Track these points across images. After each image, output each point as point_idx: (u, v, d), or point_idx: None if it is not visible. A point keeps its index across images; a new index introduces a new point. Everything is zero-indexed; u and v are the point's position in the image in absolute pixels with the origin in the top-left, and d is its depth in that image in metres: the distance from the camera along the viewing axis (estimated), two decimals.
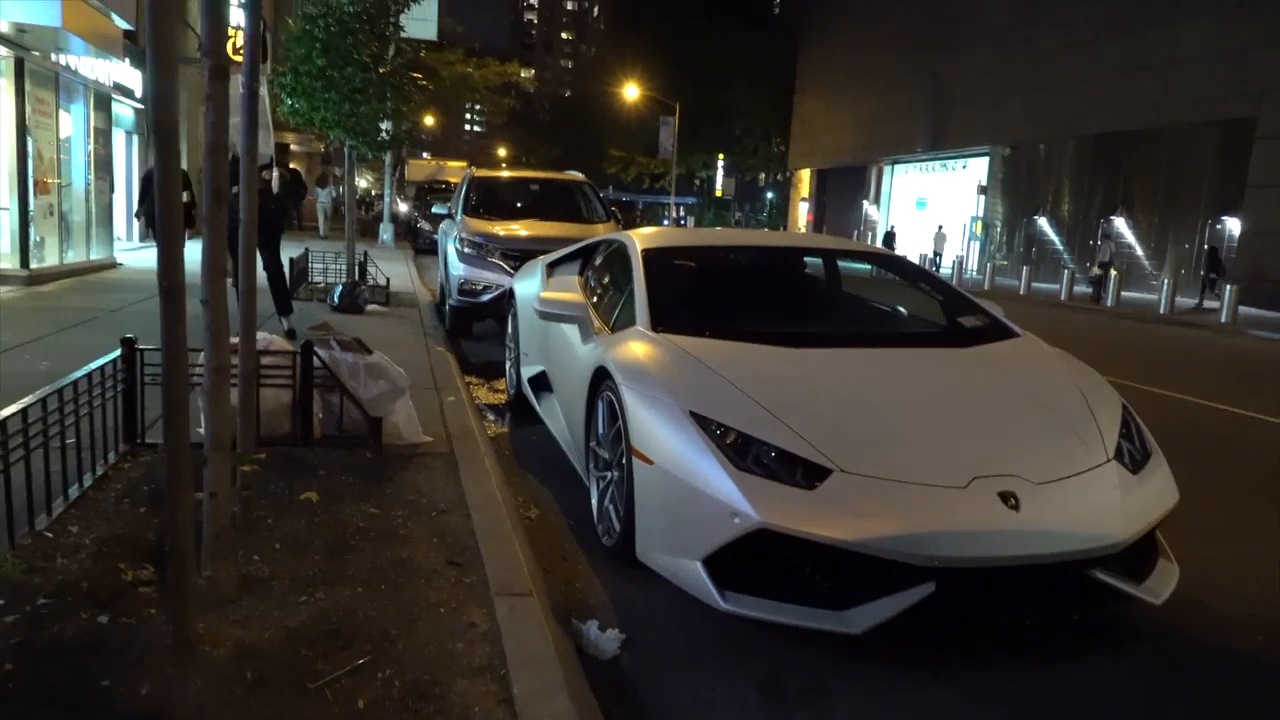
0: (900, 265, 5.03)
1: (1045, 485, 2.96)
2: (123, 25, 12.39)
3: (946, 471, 2.93)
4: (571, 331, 4.67)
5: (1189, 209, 24.90)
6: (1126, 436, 3.37)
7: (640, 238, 4.87)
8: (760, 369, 3.47)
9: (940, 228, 33.07)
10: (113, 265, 13.44)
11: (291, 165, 7.97)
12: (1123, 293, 21.27)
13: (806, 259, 5.23)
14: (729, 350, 3.62)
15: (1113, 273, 21.74)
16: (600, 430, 3.87)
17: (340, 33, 10.38)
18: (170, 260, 2.30)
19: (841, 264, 5.17)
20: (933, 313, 4.79)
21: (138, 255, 15.10)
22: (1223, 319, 17.61)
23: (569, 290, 4.75)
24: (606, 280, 5.09)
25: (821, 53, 45.20)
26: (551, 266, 6.11)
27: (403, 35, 12.15)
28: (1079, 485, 3.02)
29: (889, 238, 31.20)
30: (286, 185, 7.97)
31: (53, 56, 11.38)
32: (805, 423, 3.08)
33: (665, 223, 62.81)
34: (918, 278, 4.86)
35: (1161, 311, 19.26)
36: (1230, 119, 22.78)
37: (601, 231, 9.56)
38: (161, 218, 2.31)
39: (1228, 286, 18.09)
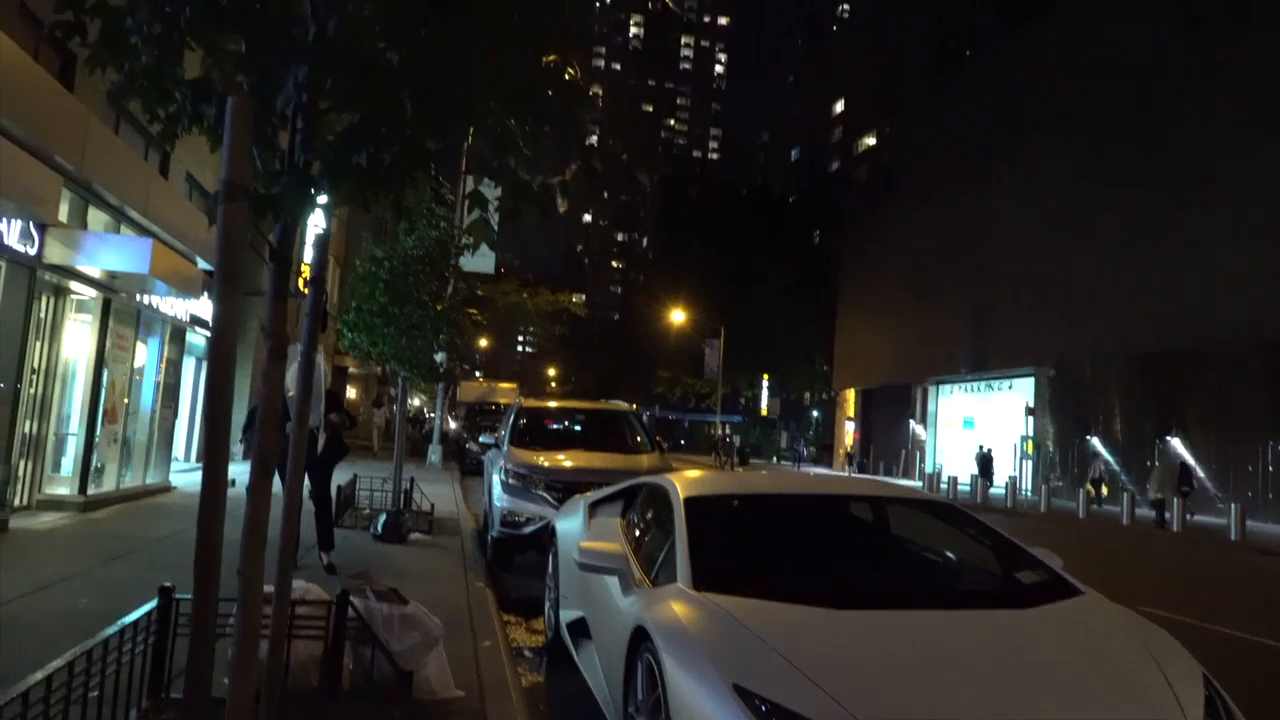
0: (952, 514, 4.88)
1: None
2: (205, 267, 13.40)
3: None
4: (612, 581, 4.54)
5: (1247, 429, 24.38)
6: (1212, 715, 3.07)
7: (683, 483, 4.83)
8: (808, 635, 3.29)
9: (981, 447, 32.70)
10: (167, 489, 13.72)
11: (339, 413, 8.23)
12: (1189, 516, 20.44)
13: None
14: (775, 613, 3.47)
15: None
16: (639, 696, 3.65)
17: (403, 273, 11.08)
18: (208, 525, 2.30)
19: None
20: (987, 558, 4.58)
21: (193, 476, 15.46)
22: None
23: (610, 537, 4.67)
24: (649, 526, 5.01)
25: (861, 276, 46.97)
26: (594, 506, 6.06)
27: (462, 269, 12.95)
28: None
29: (986, 460, 30.02)
30: (335, 433, 8.20)
31: (137, 297, 12.24)
32: (853, 697, 2.88)
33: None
34: (971, 528, 4.70)
35: (1232, 538, 18.38)
36: (1276, 340, 22.77)
37: (646, 463, 9.59)
38: (205, 484, 2.34)
39: None
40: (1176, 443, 26.47)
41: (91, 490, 11.20)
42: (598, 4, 2.81)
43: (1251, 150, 23.55)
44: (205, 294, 15.14)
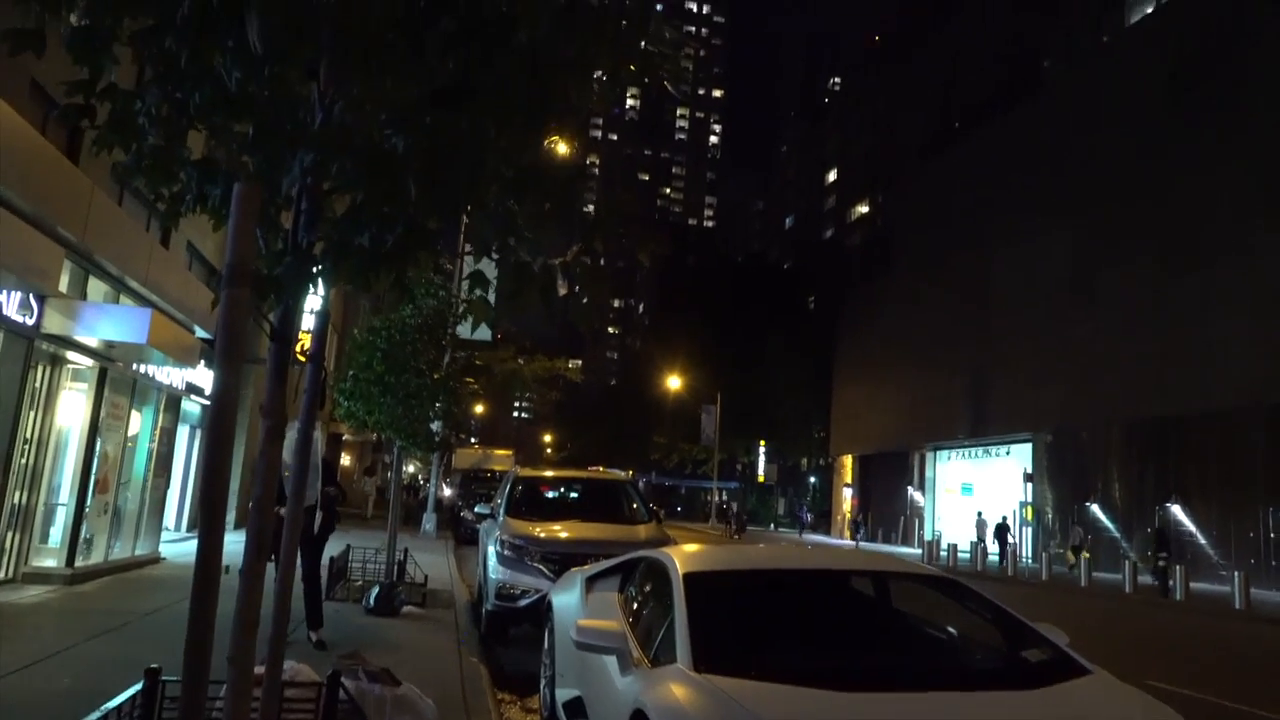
0: (955, 590, 4.81)
1: None
2: (203, 335, 13.42)
3: None
4: (610, 660, 4.44)
5: (1248, 495, 24.25)
6: None
7: (681, 558, 4.77)
8: (810, 718, 3.21)
9: (980, 514, 32.51)
10: (156, 560, 13.50)
11: (334, 485, 8.19)
12: (1191, 583, 20.17)
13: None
14: (778, 697, 3.38)
15: (1084, 556, 22.75)
16: None
17: (401, 342, 11.10)
18: (201, 618, 2.25)
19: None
20: (992, 634, 4.49)
21: (184, 545, 15.23)
22: None
23: (608, 615, 4.58)
24: (647, 602, 4.92)
25: (858, 341, 47.22)
26: (591, 581, 5.96)
27: (459, 338, 12.98)
28: None
29: (1001, 530, 29.39)
30: (330, 506, 8.14)
31: (134, 366, 12.23)
32: None
33: (708, 507, 62.57)
34: (974, 602, 4.63)
35: (1237, 606, 18.11)
36: (1273, 405, 22.80)
37: (643, 533, 9.48)
38: (198, 574, 2.29)
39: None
40: (1176, 509, 26.28)
41: (79, 562, 11.01)
42: (597, 86, 2.87)
43: (1247, 218, 23.93)
44: (202, 362, 15.15)
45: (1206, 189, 25.29)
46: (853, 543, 38.28)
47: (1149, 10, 29.71)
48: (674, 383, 52.69)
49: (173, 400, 14.62)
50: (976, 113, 38.13)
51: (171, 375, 13.79)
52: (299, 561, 7.42)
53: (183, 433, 17.10)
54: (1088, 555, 23.46)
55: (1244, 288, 23.81)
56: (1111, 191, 28.89)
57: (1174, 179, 26.38)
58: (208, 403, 17.38)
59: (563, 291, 2.55)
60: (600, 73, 2.59)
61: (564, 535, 9.29)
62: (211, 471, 2.19)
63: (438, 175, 2.24)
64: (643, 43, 2.61)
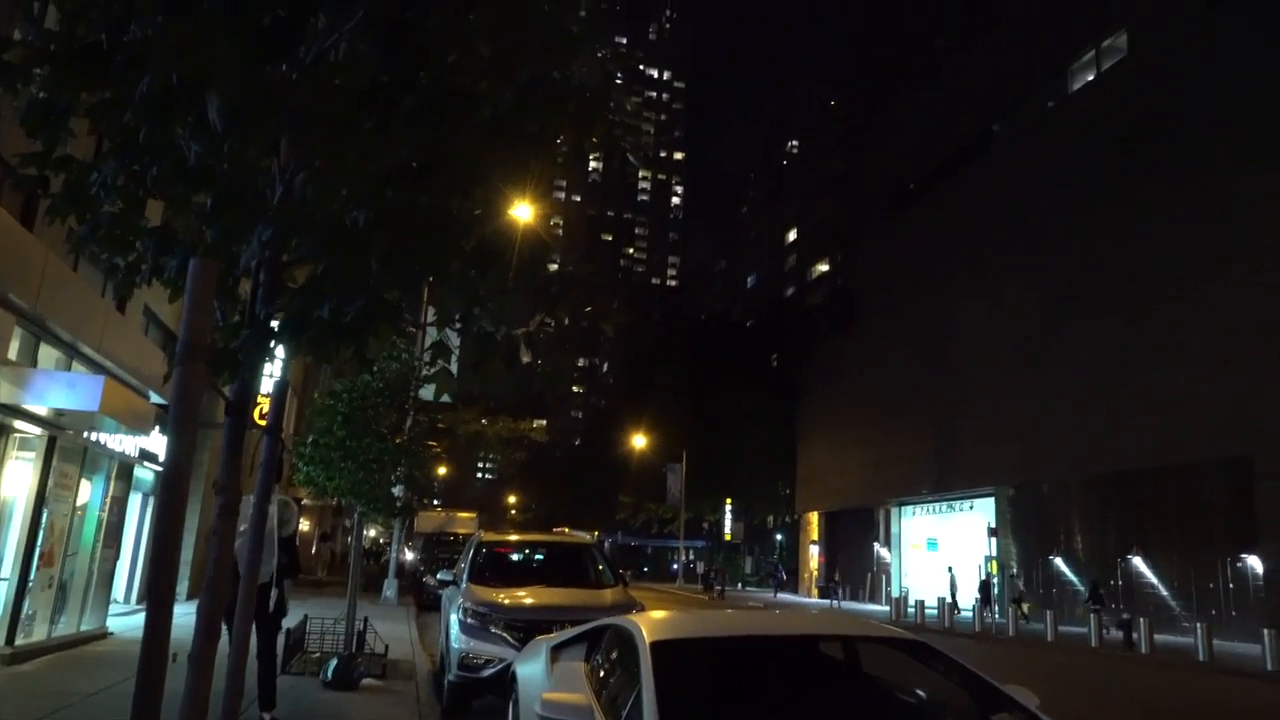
0: (923, 652, 4.77)
1: None
2: (158, 401, 13.15)
3: None
4: None
5: (1208, 546, 24.56)
6: None
7: (649, 626, 4.68)
8: None
9: (951, 569, 32.60)
10: (103, 635, 12.98)
11: (290, 557, 7.97)
12: (1155, 635, 20.24)
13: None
14: None
15: (1026, 607, 23.46)
16: None
17: (362, 406, 10.96)
18: (145, 708, 2.15)
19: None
20: (962, 698, 4.44)
21: (133, 619, 14.67)
22: (1267, 666, 16.62)
23: (574, 686, 4.47)
24: (614, 671, 4.82)
25: (821, 398, 47.56)
26: (557, 650, 5.83)
27: (422, 399, 12.84)
28: None
29: (985, 586, 29.19)
30: (287, 575, 7.92)
31: (85, 434, 11.91)
32: None
33: (674, 566, 61.93)
34: (942, 665, 4.59)
35: (1201, 659, 18.20)
36: (1229, 458, 23.25)
37: (610, 597, 9.33)
38: (146, 648, 2.19)
39: (1265, 630, 17.22)
40: (1138, 561, 26.53)
41: (20, 640, 10.54)
42: (560, 158, 2.90)
43: (1194, 275, 24.68)
44: (157, 428, 14.80)
45: (1154, 247, 26.11)
46: (829, 602, 37.98)
47: (1089, 78, 30.95)
48: (639, 442, 52.54)
49: (125, 468, 14.23)
50: (932, 173, 39.22)
51: (124, 443, 13.44)
52: (253, 639, 7.18)
53: (134, 500, 16.61)
54: (1028, 607, 24.01)
55: (1194, 342, 24.44)
56: (1064, 249, 29.70)
57: (1123, 237, 27.21)
58: (161, 469, 16.96)
59: (526, 360, 2.53)
60: (563, 144, 2.62)
61: (529, 602, 9.10)
62: (159, 566, 2.12)
63: (400, 249, 2.24)
64: (605, 115, 2.65)
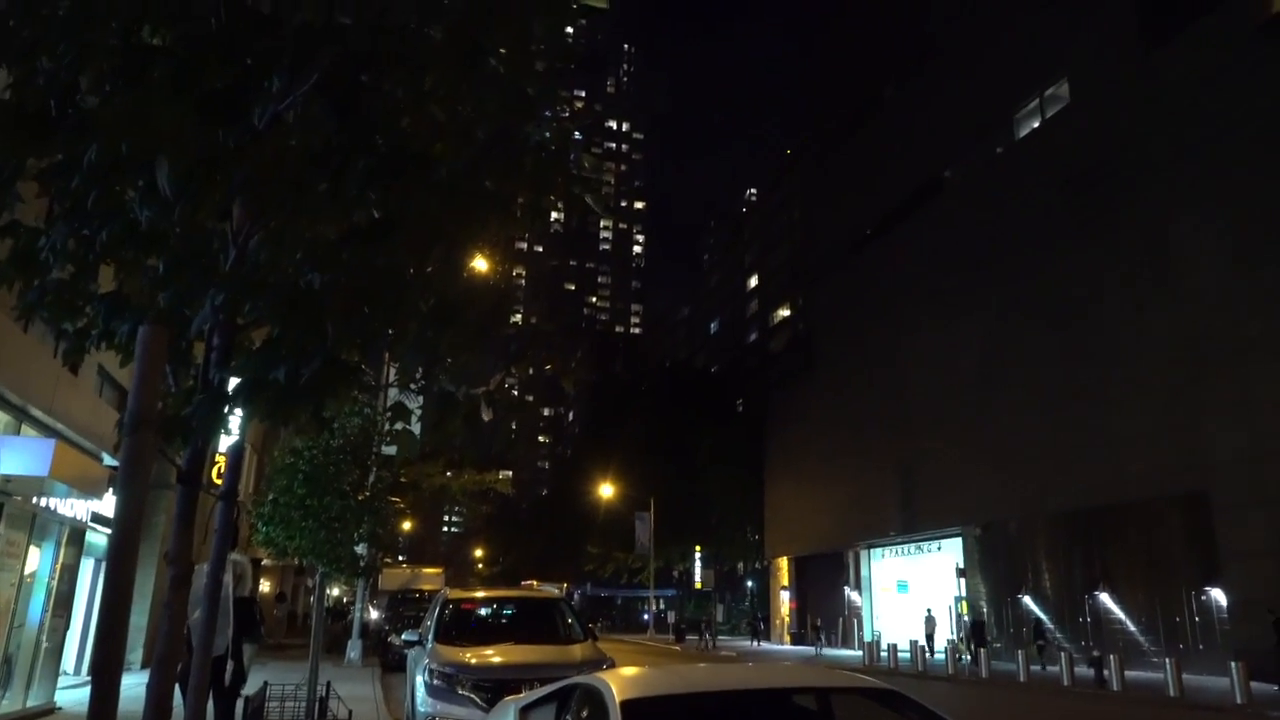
0: (897, 701, 4.73)
1: None
2: (111, 463, 12.80)
3: None
4: None
5: (1172, 580, 24.82)
6: None
7: (618, 684, 4.58)
8: None
9: (929, 610, 32.57)
10: (50, 710, 12.45)
11: (250, 621, 7.76)
12: (1126, 671, 20.30)
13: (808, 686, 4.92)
14: None
15: (972, 647, 24.17)
16: None
17: (323, 463, 10.76)
18: None
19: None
20: None
21: (82, 692, 14.09)
22: (1237, 699, 16.72)
23: None
24: None
25: (787, 442, 47.68)
26: (525, 711, 5.69)
27: (385, 453, 12.64)
28: None
29: (978, 627, 28.94)
30: (249, 638, 7.69)
31: (34, 499, 11.55)
32: None
33: (645, 616, 61.11)
34: (918, 715, 4.54)
35: (1172, 694, 18.28)
36: (1186, 493, 23.62)
37: (579, 654, 9.16)
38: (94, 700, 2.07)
39: (1233, 663, 17.36)
40: (1105, 597, 26.72)
41: None
42: (519, 213, 2.90)
43: (1138, 314, 25.31)
44: (110, 490, 14.39)
45: (1099, 286, 26.79)
46: (811, 650, 37.60)
47: (1035, 125, 31.95)
48: (606, 490, 52.16)
49: (76, 533, 13.79)
50: (887, 217, 40.01)
51: (75, 507, 13.05)
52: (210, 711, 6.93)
53: (86, 566, 16.07)
54: (973, 647, 24.41)
55: (1141, 380, 25.01)
56: (1012, 289, 30.37)
57: (1069, 278, 27.89)
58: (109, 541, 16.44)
59: (488, 419, 2.50)
60: (522, 203, 2.63)
61: (496, 660, 8.91)
62: (105, 647, 2.03)
63: (356, 311, 2.21)
64: (564, 173, 2.67)
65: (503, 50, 2.48)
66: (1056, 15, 30.01)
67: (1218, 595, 23.20)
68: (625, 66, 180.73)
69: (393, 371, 3.09)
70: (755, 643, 44.08)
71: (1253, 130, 22.55)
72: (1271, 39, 22.43)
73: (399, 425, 2.50)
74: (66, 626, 13.91)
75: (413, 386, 2.63)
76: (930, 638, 30.71)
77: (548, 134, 2.54)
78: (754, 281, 76.43)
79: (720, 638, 46.20)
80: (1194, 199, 24.13)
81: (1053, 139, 30.42)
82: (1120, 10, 27.65)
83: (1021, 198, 30.85)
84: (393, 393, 12.04)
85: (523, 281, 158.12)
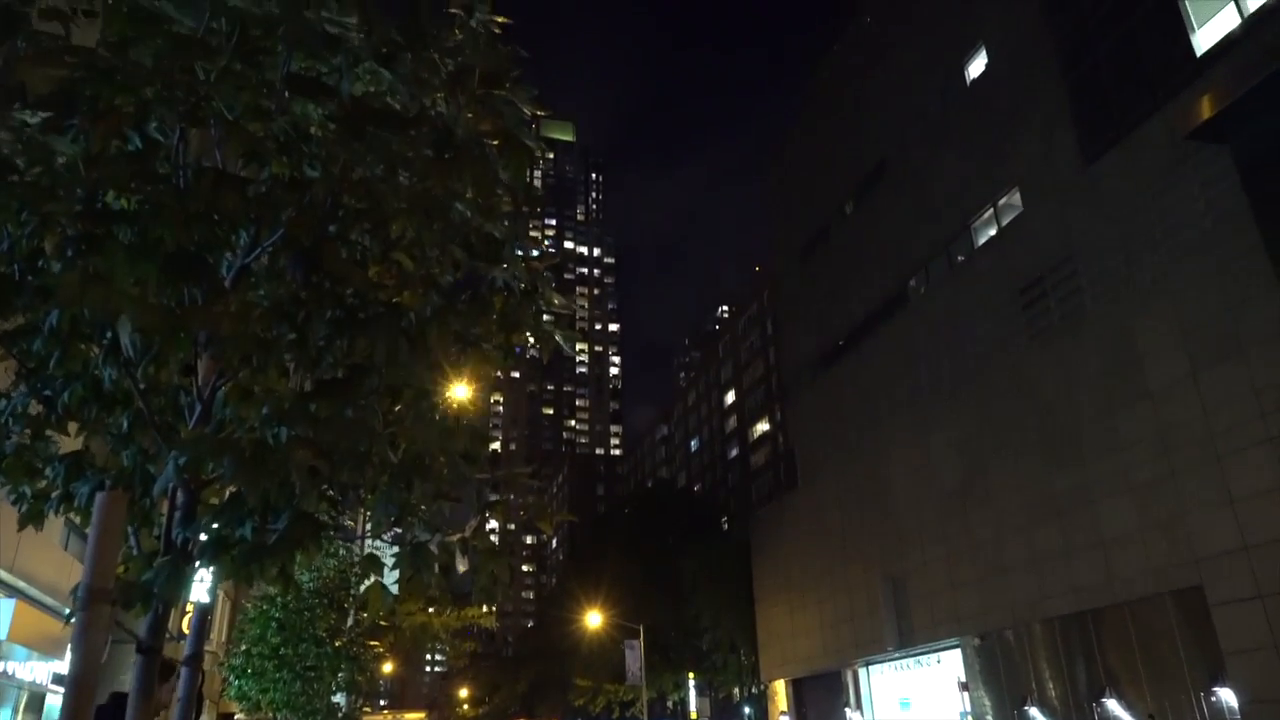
0: None
1: None
2: None
3: None
4: None
5: (1177, 681, 24.12)
6: None
7: None
8: None
9: None
10: None
11: None
12: None
13: None
14: None
15: None
16: None
17: (298, 609, 10.39)
18: None
19: None
20: None
21: None
22: None
23: None
24: None
25: (774, 560, 46.83)
26: None
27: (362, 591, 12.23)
28: None
29: None
30: None
31: None
32: None
33: None
34: None
35: None
36: (1181, 589, 23.26)
37: None
38: None
39: None
40: (1113, 704, 25.88)
41: None
42: (491, 352, 2.89)
43: (1105, 415, 25.55)
44: None
45: (1066, 389, 27.14)
46: None
47: (992, 233, 33.04)
48: (594, 619, 50.62)
49: (35, 698, 13.06)
50: (858, 329, 40.71)
51: (35, 670, 12.40)
52: None
53: None
54: None
55: (1118, 480, 25.03)
56: (982, 394, 30.71)
57: (1037, 381, 28.28)
58: None
59: (463, 569, 2.41)
60: (493, 344, 2.62)
61: None
62: None
63: (323, 467, 2.15)
64: (534, 312, 2.67)
65: (470, 196, 2.52)
66: (1002, 126, 31.54)
67: (1227, 695, 22.54)
68: (594, 195, 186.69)
69: (368, 522, 3.00)
70: None
71: (1195, 233, 23.44)
72: (1201, 147, 23.58)
73: (370, 579, 2.40)
74: None
75: (386, 537, 2.54)
76: None
77: (515, 275, 2.56)
78: (731, 397, 76.86)
79: None
80: (1149, 297, 24.80)
81: (1009, 246, 31.41)
82: (1058, 124, 29.11)
83: (983, 305, 31.59)
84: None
85: (500, 408, 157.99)
